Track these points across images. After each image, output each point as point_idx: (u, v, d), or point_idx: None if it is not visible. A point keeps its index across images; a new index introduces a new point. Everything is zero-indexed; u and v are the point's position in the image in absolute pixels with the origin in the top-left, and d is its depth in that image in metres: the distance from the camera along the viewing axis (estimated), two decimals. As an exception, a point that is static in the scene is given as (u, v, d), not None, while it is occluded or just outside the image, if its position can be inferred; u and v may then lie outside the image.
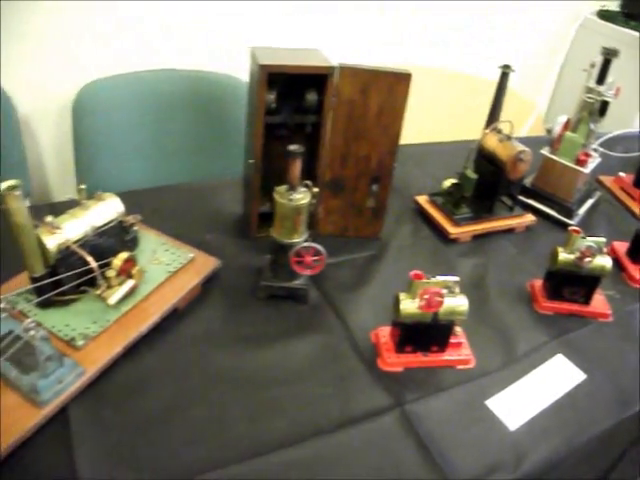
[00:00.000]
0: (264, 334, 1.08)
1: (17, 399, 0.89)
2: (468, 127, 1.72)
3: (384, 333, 1.08)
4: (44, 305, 1.01)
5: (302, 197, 1.06)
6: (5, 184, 0.90)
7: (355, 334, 1.10)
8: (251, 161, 1.19)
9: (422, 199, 1.51)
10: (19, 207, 0.91)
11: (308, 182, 1.07)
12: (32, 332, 0.85)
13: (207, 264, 1.15)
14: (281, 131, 1.24)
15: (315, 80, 1.16)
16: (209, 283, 1.15)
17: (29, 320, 0.86)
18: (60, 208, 1.05)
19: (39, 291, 1.00)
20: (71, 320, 1.00)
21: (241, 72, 1.86)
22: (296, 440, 0.91)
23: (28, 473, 0.83)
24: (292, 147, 1.03)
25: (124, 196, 1.13)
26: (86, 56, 1.89)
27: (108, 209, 1.05)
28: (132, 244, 1.12)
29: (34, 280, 0.99)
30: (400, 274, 1.20)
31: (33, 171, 1.92)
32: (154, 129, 1.88)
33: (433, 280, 0.99)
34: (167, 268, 1.11)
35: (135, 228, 1.11)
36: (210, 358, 1.02)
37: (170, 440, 0.89)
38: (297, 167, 1.04)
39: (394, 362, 1.04)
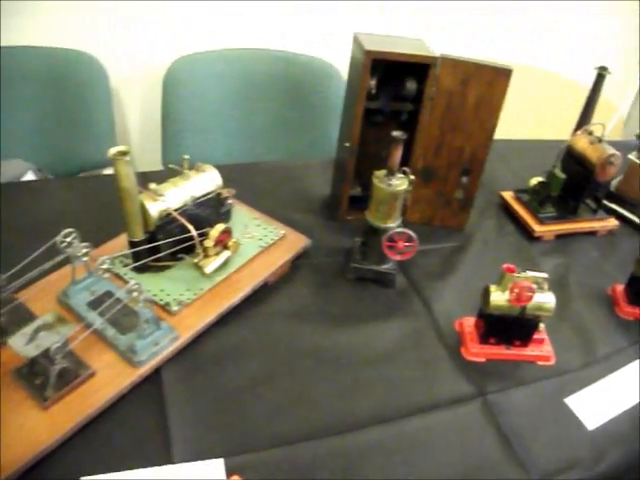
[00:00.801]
0: (352, 315, 1.09)
1: (114, 357, 0.92)
2: (543, 125, 1.69)
3: (469, 323, 1.08)
4: (140, 269, 1.04)
5: (400, 183, 1.07)
6: (115, 149, 0.93)
7: (439, 322, 1.11)
8: (347, 144, 1.20)
9: (507, 195, 1.49)
10: (128, 172, 0.94)
11: (406, 169, 1.07)
12: (135, 294, 0.87)
13: (298, 242, 1.16)
14: (377, 117, 1.25)
15: (415, 69, 1.16)
16: (298, 260, 1.17)
17: (133, 282, 0.88)
18: (151, 177, 1.09)
19: (136, 255, 1.03)
20: (166, 286, 1.02)
21: (332, 56, 1.88)
22: (381, 420, 0.92)
23: (123, 427, 0.87)
24: (396, 133, 1.03)
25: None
26: (180, 30, 1.93)
27: (207, 181, 1.08)
28: (226, 217, 1.14)
29: (133, 244, 1.02)
30: (484, 267, 1.23)
31: (118, 140, 1.97)
32: (242, 107, 1.90)
33: (524, 275, 0.99)
34: (259, 243, 1.13)
35: (229, 202, 1.13)
36: (299, 333, 1.04)
37: (258, 410, 0.91)
38: (399, 153, 1.04)
39: (477, 352, 1.04)
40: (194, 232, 0.99)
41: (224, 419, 0.89)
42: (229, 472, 0.81)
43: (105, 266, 0.93)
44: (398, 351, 1.04)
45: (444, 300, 1.16)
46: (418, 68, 1.16)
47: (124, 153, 0.92)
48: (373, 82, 1.15)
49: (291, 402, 0.93)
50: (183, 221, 0.98)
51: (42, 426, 0.83)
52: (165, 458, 0.83)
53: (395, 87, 1.20)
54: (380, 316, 1.10)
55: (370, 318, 1.09)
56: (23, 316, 0.96)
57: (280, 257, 1.12)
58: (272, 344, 1.01)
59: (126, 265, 1.04)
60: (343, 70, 1.83)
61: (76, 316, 0.96)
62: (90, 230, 1.01)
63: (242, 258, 1.09)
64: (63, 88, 1.81)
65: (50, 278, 1.00)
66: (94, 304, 0.98)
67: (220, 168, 1.19)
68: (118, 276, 1.04)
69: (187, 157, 1.05)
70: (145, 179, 1.05)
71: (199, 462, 0.83)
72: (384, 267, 1.15)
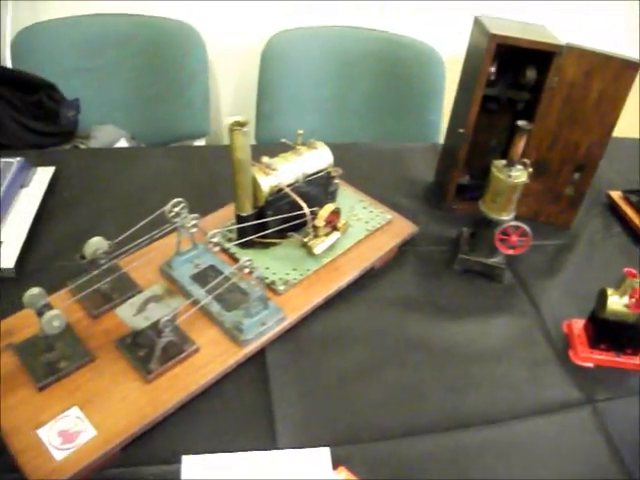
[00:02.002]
0: (459, 307, 1.04)
1: (218, 334, 0.90)
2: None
3: (578, 325, 1.02)
4: (244, 245, 1.00)
5: (520, 175, 1.00)
6: (233, 119, 0.89)
7: (547, 322, 1.04)
8: (461, 130, 1.14)
9: (615, 195, 1.40)
10: (244, 144, 0.90)
11: (526, 160, 1.00)
12: (247, 270, 0.84)
13: (404, 228, 1.12)
14: (491, 104, 1.18)
15: (536, 57, 1.08)
16: (403, 247, 1.12)
17: (245, 259, 0.85)
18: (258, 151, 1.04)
19: (241, 230, 0.99)
20: (271, 264, 0.99)
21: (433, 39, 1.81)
22: (489, 420, 0.87)
23: (226, 407, 0.84)
24: (521, 123, 0.98)
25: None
26: (280, 5, 1.89)
27: (319, 158, 1.03)
28: (332, 197, 1.09)
29: (240, 219, 0.98)
30: (592, 268, 1.16)
31: (212, 112, 1.95)
32: (337, 86, 1.85)
33: (646, 280, 0.91)
34: (366, 226, 1.09)
35: (336, 181, 1.08)
36: (406, 323, 0.99)
37: (365, 400, 0.87)
38: (522, 144, 0.99)
39: (587, 357, 0.98)
40: (307, 210, 0.94)
41: (329, 406, 0.86)
42: (335, 462, 0.78)
43: (216, 239, 0.89)
44: (506, 349, 0.98)
45: (551, 299, 1.09)
46: (539, 56, 1.08)
47: (242, 124, 0.88)
48: (493, 68, 1.09)
49: (398, 394, 0.89)
50: (296, 198, 0.94)
51: (145, 399, 0.81)
52: (269, 443, 0.80)
53: (513, 74, 1.14)
54: (487, 311, 1.05)
55: (477, 312, 1.04)
56: (125, 284, 0.94)
57: (387, 242, 1.08)
58: (379, 332, 0.97)
59: (230, 240, 1.00)
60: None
61: (179, 288, 0.92)
62: (188, 201, 0.97)
63: (349, 241, 1.05)
64: (160, 57, 1.80)
65: (151, 247, 0.97)
66: (198, 277, 0.95)
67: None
68: (222, 250, 1.00)
69: (301, 132, 1.00)
70: (253, 151, 1.01)
71: (305, 449, 0.79)
72: (493, 260, 1.09)
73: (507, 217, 1.04)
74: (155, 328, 0.81)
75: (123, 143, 1.60)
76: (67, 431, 0.76)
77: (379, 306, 1.01)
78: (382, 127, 1.87)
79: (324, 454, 0.79)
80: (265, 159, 0.96)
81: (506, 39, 1.06)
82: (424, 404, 0.88)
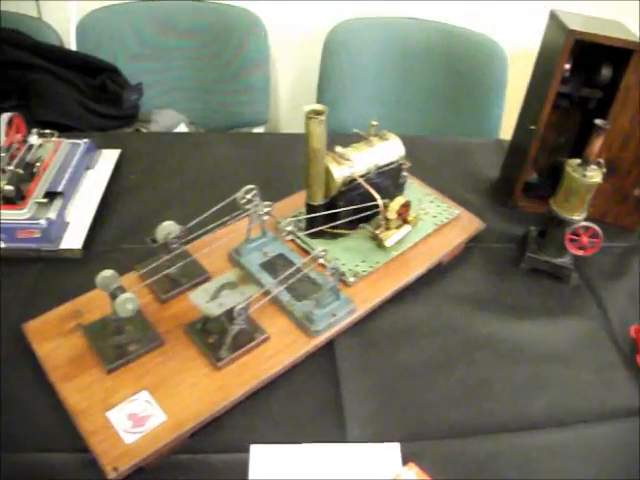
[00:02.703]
0: (527, 307, 1.02)
1: (288, 323, 0.89)
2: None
3: None
4: (313, 235, 0.99)
5: (594, 175, 0.98)
6: (310, 107, 0.88)
7: (614, 325, 1.01)
8: (533, 127, 1.11)
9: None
10: (320, 133, 0.89)
11: (601, 160, 0.98)
12: (321, 260, 0.83)
13: (472, 224, 1.09)
14: (562, 101, 1.15)
15: (612, 54, 1.05)
16: (469, 243, 1.10)
17: (320, 249, 0.84)
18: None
19: (311, 220, 0.98)
20: (340, 255, 0.98)
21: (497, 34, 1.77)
22: (557, 423, 0.85)
23: (295, 398, 0.83)
24: (600, 122, 0.94)
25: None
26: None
27: (390, 149, 1.02)
28: (400, 190, 1.07)
29: (311, 208, 0.97)
30: None
31: (271, 101, 1.95)
32: (398, 78, 1.83)
33: None
34: (434, 220, 1.07)
35: (405, 174, 1.07)
36: (474, 320, 0.97)
37: (434, 396, 0.86)
38: (599, 143, 0.95)
39: None
40: (380, 202, 0.93)
41: (399, 401, 0.84)
42: (404, 458, 0.76)
43: (289, 228, 0.88)
44: (573, 351, 0.96)
45: (618, 303, 1.06)
46: (615, 53, 1.04)
47: (319, 112, 0.87)
48: (569, 65, 1.06)
49: (467, 392, 0.87)
50: (370, 189, 0.93)
51: (214, 386, 0.80)
52: (339, 436, 0.79)
53: (587, 71, 1.10)
54: (554, 312, 1.02)
55: (544, 313, 1.02)
56: (194, 270, 0.94)
57: (455, 238, 1.06)
58: (448, 328, 0.95)
59: (299, 229, 0.99)
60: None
61: (248, 276, 0.91)
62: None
63: (418, 234, 1.03)
64: (222, 44, 1.79)
65: (219, 234, 0.95)
66: (267, 266, 0.94)
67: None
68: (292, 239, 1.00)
69: (375, 122, 0.98)
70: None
71: (375, 444, 0.77)
72: (561, 260, 1.06)
73: (578, 217, 1.02)
74: (228, 315, 0.80)
75: (182, 128, 1.60)
76: (137, 415, 0.75)
77: (447, 302, 1.00)
78: (442, 121, 1.84)
79: (394, 449, 0.77)
80: (339, 149, 0.95)
81: (585, 35, 1.02)
82: (492, 404, 0.86)
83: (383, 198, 0.98)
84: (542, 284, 1.07)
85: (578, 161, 1.00)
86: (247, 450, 0.76)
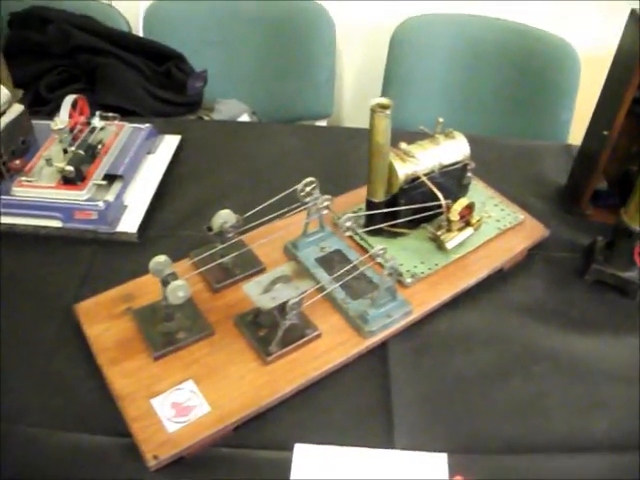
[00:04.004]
0: (590, 321, 0.96)
1: (341, 321, 0.86)
2: None
3: None
4: (372, 232, 0.97)
5: (671, 185, 0.92)
6: (376, 101, 0.85)
7: None
8: (606, 133, 1.06)
9: None
10: (385, 127, 0.86)
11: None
12: (379, 259, 0.80)
13: (535, 230, 1.05)
14: (637, 107, 1.09)
15: None
16: (532, 250, 1.05)
17: (379, 247, 0.81)
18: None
19: (370, 217, 0.95)
20: (398, 254, 0.94)
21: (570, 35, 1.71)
22: (618, 447, 0.79)
23: (344, 399, 0.81)
24: None
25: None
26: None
27: (456, 149, 0.98)
28: (465, 191, 1.04)
29: (371, 204, 0.95)
30: None
31: (336, 94, 1.93)
32: (465, 77, 1.79)
33: None
34: (497, 224, 1.02)
35: (470, 175, 1.03)
36: (533, 330, 0.93)
37: (488, 408, 0.82)
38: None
39: None
40: (443, 202, 0.90)
41: (451, 411, 0.81)
42: (452, 470, 0.73)
43: (349, 224, 0.85)
44: (637, 371, 0.89)
45: None
46: None
47: (385, 106, 0.84)
48: None
49: (524, 407, 0.82)
50: (433, 188, 0.89)
51: (262, 381, 0.78)
52: (386, 441, 0.76)
53: None
54: (619, 328, 0.96)
55: (608, 329, 0.96)
56: (249, 260, 0.93)
57: (518, 244, 1.01)
58: (505, 337, 0.91)
59: (358, 225, 0.97)
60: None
61: (303, 270, 0.89)
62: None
63: (479, 238, 0.99)
64: (289, 35, 1.79)
65: (276, 226, 0.94)
66: (323, 261, 0.92)
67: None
68: (349, 235, 0.97)
69: (441, 120, 0.95)
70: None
71: (422, 453, 0.74)
72: (629, 275, 1.00)
73: None
74: (280, 310, 0.78)
75: (245, 118, 1.59)
76: (181, 404, 0.74)
77: (506, 310, 0.95)
78: (508, 123, 1.79)
79: (441, 460, 0.74)
80: (403, 145, 0.92)
81: None
82: (549, 421, 0.81)
83: (446, 198, 0.95)
84: (607, 298, 1.01)
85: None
86: (291, 449, 0.74)
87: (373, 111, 0.85)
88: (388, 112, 0.84)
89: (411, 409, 0.80)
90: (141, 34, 1.72)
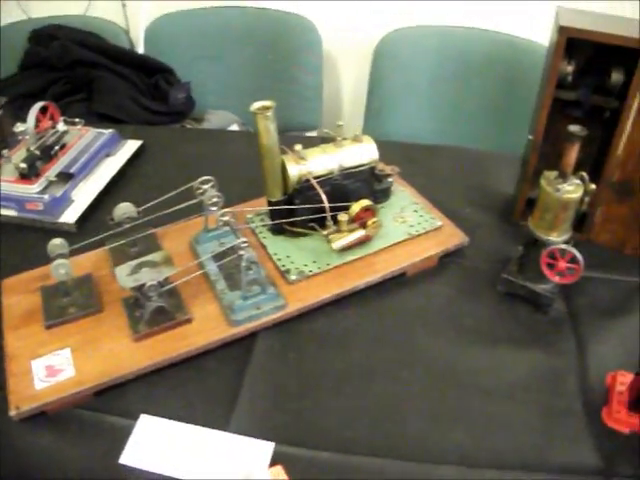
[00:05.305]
0: (488, 332, 0.94)
1: (216, 310, 0.92)
2: None
3: (623, 380, 0.85)
4: (275, 231, 1.02)
5: (572, 190, 0.89)
6: (259, 103, 0.90)
7: (589, 368, 0.89)
8: (530, 137, 1.05)
9: None
10: (268, 129, 0.91)
11: (584, 174, 0.90)
12: (241, 252, 0.85)
13: (453, 237, 1.04)
14: (575, 111, 1.05)
15: (626, 56, 0.93)
16: (448, 258, 1.04)
17: (242, 239, 0.86)
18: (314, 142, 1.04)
19: (273, 216, 1.01)
20: (293, 253, 0.99)
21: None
22: (468, 463, 0.76)
23: (199, 381, 0.86)
24: (573, 128, 0.86)
25: (397, 146, 1.02)
26: (397, 3, 1.85)
27: (362, 152, 1.01)
28: (383, 195, 1.07)
29: (270, 204, 0.99)
30: None
31: (325, 106, 1.97)
32: (449, 88, 1.78)
33: None
34: (409, 229, 1.04)
35: (390, 180, 1.06)
36: (418, 336, 0.92)
37: (336, 406, 0.83)
38: (574, 153, 0.87)
39: (621, 420, 0.82)
40: (325, 202, 0.93)
41: (297, 405, 0.83)
42: (275, 459, 0.75)
43: (225, 218, 0.91)
44: (527, 390, 0.86)
45: (603, 345, 0.93)
46: (629, 55, 0.92)
47: (267, 108, 0.89)
48: (570, 67, 0.97)
49: (375, 410, 0.82)
50: (318, 189, 0.93)
51: (127, 355, 0.85)
52: (222, 424, 0.80)
53: (599, 77, 0.99)
54: (520, 342, 0.92)
55: (507, 341, 0.92)
56: (152, 249, 0.98)
57: (427, 249, 1.01)
58: (384, 341, 0.91)
59: (265, 224, 1.02)
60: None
61: (199, 263, 0.95)
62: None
63: (384, 241, 1.01)
64: (278, 50, 1.86)
65: (191, 222, 1.01)
66: (218, 255, 0.97)
67: (403, 146, 1.11)
68: (253, 233, 1.03)
69: (341, 124, 1.00)
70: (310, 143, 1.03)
71: (250, 439, 0.77)
72: (541, 287, 0.96)
73: (557, 238, 0.92)
74: (144, 292, 0.84)
75: (234, 128, 1.67)
76: (53, 367, 0.83)
77: (399, 315, 0.95)
78: (496, 133, 1.77)
79: (267, 448, 0.76)
80: (297, 147, 0.97)
81: (579, 32, 0.91)
82: (399, 427, 0.80)
83: (351, 200, 0.98)
84: (515, 311, 0.97)
85: (556, 174, 0.91)
86: (137, 418, 0.80)
87: (254, 114, 0.89)
88: (269, 114, 0.89)
89: (256, 397, 0.83)
90: (141, 50, 1.86)
